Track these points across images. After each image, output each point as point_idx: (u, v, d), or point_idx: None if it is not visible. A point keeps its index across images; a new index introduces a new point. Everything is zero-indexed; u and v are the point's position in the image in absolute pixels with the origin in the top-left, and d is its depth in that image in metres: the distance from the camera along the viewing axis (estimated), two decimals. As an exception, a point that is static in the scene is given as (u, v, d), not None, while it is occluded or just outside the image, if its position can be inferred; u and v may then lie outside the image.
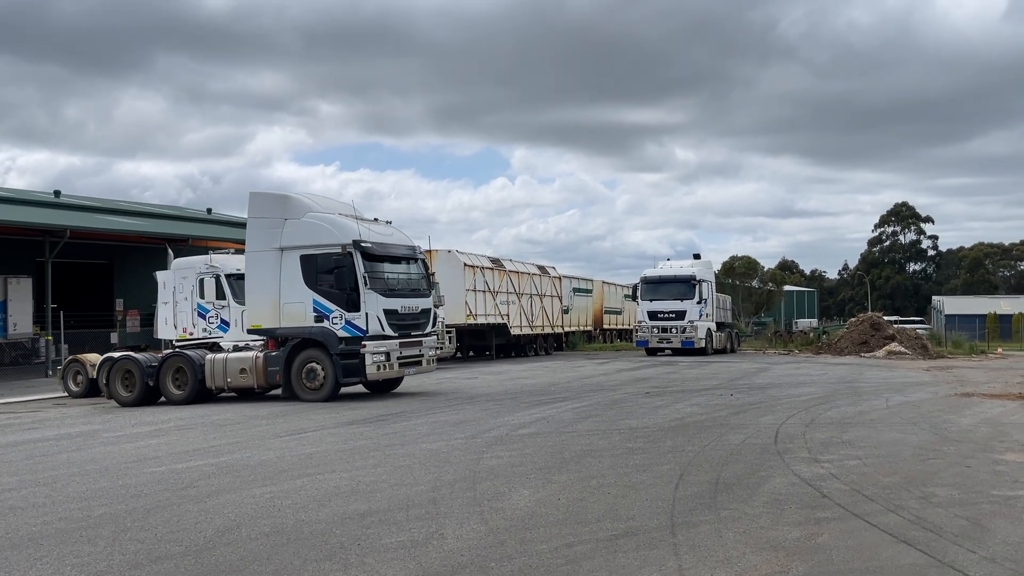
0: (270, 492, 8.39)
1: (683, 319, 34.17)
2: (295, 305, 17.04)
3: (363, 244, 16.88)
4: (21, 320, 29.04)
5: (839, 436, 11.38)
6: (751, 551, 6.16)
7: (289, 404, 16.83)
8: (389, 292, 17.27)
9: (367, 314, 16.72)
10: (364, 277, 16.72)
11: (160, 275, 22.21)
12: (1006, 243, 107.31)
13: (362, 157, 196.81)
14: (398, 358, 17.27)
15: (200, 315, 21.04)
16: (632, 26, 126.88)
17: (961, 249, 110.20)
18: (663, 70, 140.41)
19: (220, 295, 20.82)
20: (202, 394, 17.90)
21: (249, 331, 18.23)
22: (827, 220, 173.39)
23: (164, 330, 21.91)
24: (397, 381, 18.65)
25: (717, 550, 6.19)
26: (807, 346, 38.38)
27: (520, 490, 8.24)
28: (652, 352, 35.11)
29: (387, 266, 17.66)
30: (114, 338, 31.96)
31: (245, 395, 18.40)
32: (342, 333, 16.75)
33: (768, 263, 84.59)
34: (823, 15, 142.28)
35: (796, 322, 72.79)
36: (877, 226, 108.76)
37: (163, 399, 18.21)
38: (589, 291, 47.22)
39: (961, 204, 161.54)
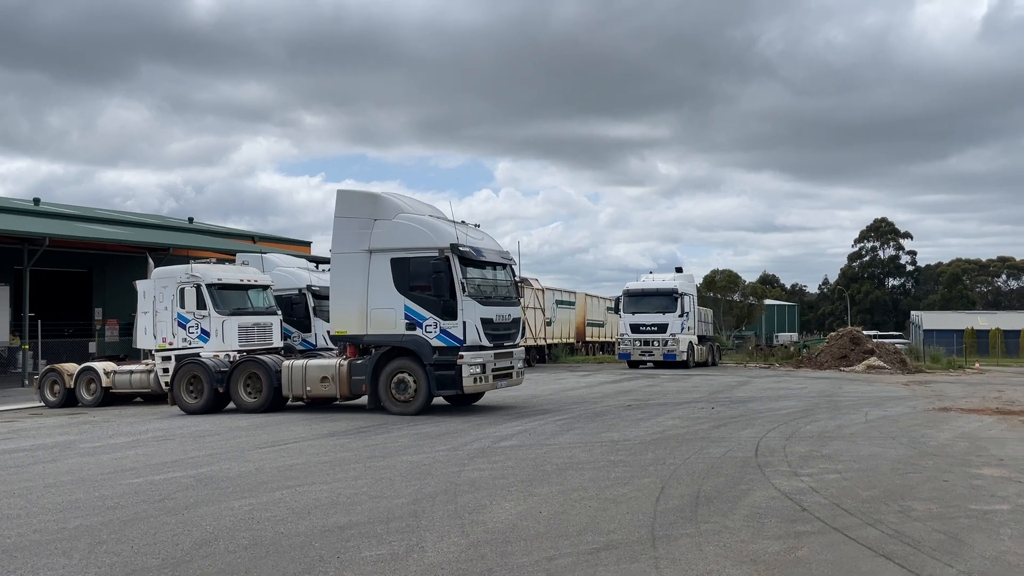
0: (249, 504, 8.32)
1: (665, 332, 34.27)
2: (384, 311, 16.16)
3: (461, 248, 16.00)
4: (-2, 329, 28.73)
5: (819, 450, 11.44)
6: (731, 564, 6.17)
7: (270, 415, 16.72)
8: (485, 300, 16.38)
9: (465, 323, 15.75)
10: (462, 283, 15.78)
11: (140, 284, 21.99)
12: (983, 259, 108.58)
13: (347, 168, 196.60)
14: (493, 370, 16.27)
15: (180, 325, 20.84)
16: (615, 41, 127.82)
17: (939, 265, 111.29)
18: (645, 85, 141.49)
19: (201, 305, 20.64)
20: (277, 402, 17.25)
21: (333, 337, 17.55)
22: (807, 235, 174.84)
23: (143, 340, 21.68)
24: (479, 394, 17.58)
25: (697, 563, 6.20)
26: (787, 360, 38.58)
27: (501, 503, 8.22)
28: (634, 365, 35.17)
29: (481, 272, 16.76)
30: (92, 348, 31.63)
31: (315, 405, 17.68)
32: (436, 342, 15.82)
33: (749, 277, 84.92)
34: (801, 33, 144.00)
35: (777, 336, 73.27)
36: (857, 241, 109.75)
37: (232, 407, 17.71)
38: (572, 304, 47.30)
39: (939, 220, 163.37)
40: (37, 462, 11.53)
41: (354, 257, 16.48)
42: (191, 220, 50.22)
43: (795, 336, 74.94)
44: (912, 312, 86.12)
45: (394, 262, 16.16)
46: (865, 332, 39.59)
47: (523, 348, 18.57)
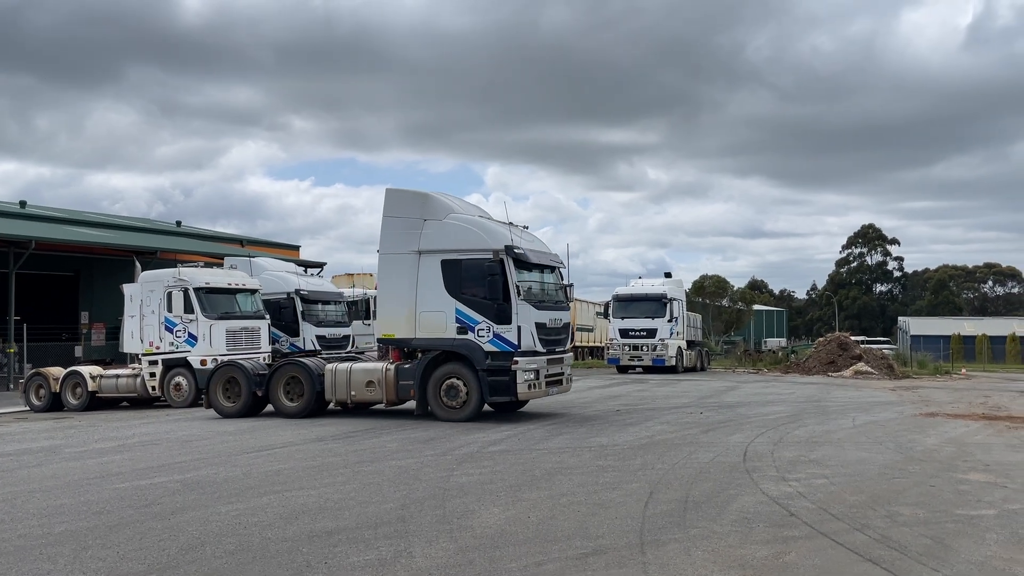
0: (236, 509, 8.27)
1: (654, 337, 34.31)
2: (434, 314, 15.63)
3: (516, 250, 15.44)
4: (-17, 332, 28.47)
5: (807, 455, 11.48)
6: (719, 570, 6.18)
7: (258, 420, 16.64)
8: (538, 304, 15.87)
9: (520, 327, 15.20)
10: (517, 287, 15.27)
11: (127, 288, 21.90)
12: (970, 265, 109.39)
13: (336, 172, 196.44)
14: (545, 376, 15.80)
15: (167, 329, 20.77)
16: (604, 48, 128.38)
17: (926, 271, 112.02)
18: (634, 92, 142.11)
19: (188, 309, 20.58)
20: (319, 406, 16.90)
21: (380, 340, 17.04)
22: (795, 241, 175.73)
23: (130, 344, 21.59)
24: (525, 401, 16.72)
25: (686, 568, 6.20)
26: (776, 365, 38.70)
27: (490, 508, 8.20)
28: (623, 370, 35.19)
29: (534, 275, 16.21)
30: (78, 351, 31.42)
31: (354, 409, 17.32)
32: (489, 347, 15.27)
33: (738, 282, 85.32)
34: (788, 40, 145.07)
35: (765, 341, 73.51)
36: (844, 247, 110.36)
37: (270, 410, 17.38)
38: (561, 308, 47.25)
39: (926, 227, 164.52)
40: (22, 467, 11.43)
41: (402, 258, 15.98)
42: (179, 224, 50.00)
43: (783, 341, 75.24)
44: (899, 318, 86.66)
45: (445, 264, 15.66)
46: (853, 338, 39.70)
47: (572, 354, 18.05)
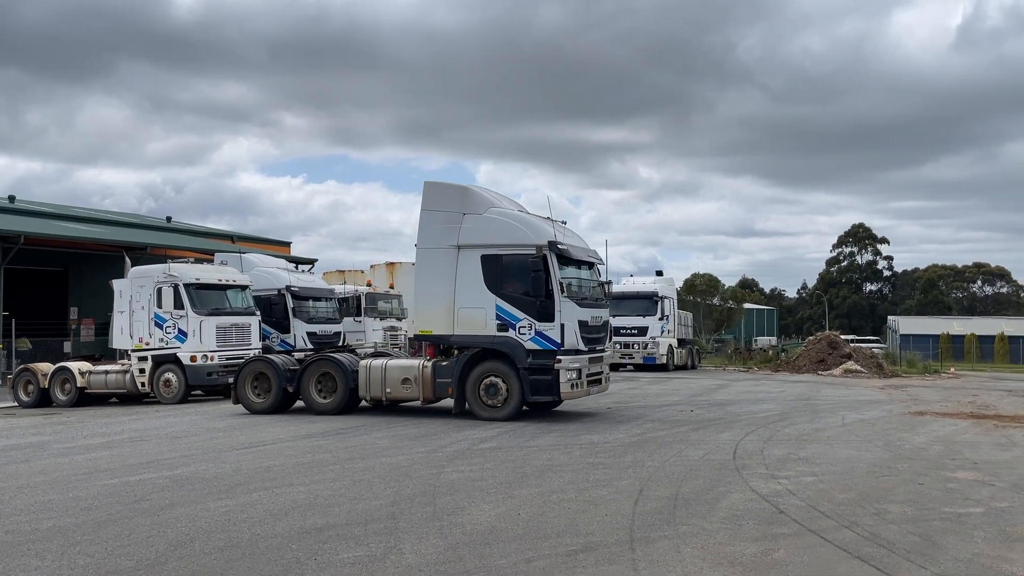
0: (225, 506, 8.25)
1: (645, 335, 34.35)
2: (473, 311, 15.26)
3: (560, 246, 15.07)
4: (-29, 328, 28.28)
5: (796, 453, 11.52)
6: (709, 566, 6.19)
7: (247, 416, 16.59)
8: (581, 301, 15.41)
9: (563, 325, 14.81)
10: (561, 283, 14.89)
11: (117, 283, 21.79)
12: (959, 265, 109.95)
13: (329, 169, 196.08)
14: (587, 375, 15.37)
15: (157, 325, 20.68)
16: (597, 47, 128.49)
17: (916, 270, 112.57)
18: (626, 91, 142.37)
19: (178, 305, 20.50)
20: (351, 403, 16.51)
21: (417, 337, 16.72)
22: (786, 240, 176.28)
23: (119, 339, 21.49)
24: (560, 400, 16.20)
25: (675, 565, 6.21)
26: (766, 363, 38.85)
27: (480, 505, 8.20)
28: (614, 367, 34.95)
29: (575, 271, 15.79)
30: (67, 347, 31.26)
31: (385, 408, 16.89)
32: (531, 345, 14.90)
33: (729, 281, 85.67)
34: (779, 40, 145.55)
35: (756, 340, 73.68)
36: (835, 246, 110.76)
37: (300, 406, 17.05)
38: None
39: (915, 227, 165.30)
40: (10, 463, 11.37)
41: (441, 253, 15.56)
42: (169, 219, 49.79)
43: (774, 340, 75.40)
44: (889, 317, 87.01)
45: (485, 259, 15.28)
46: (843, 336, 39.97)
47: (610, 352, 17.54)
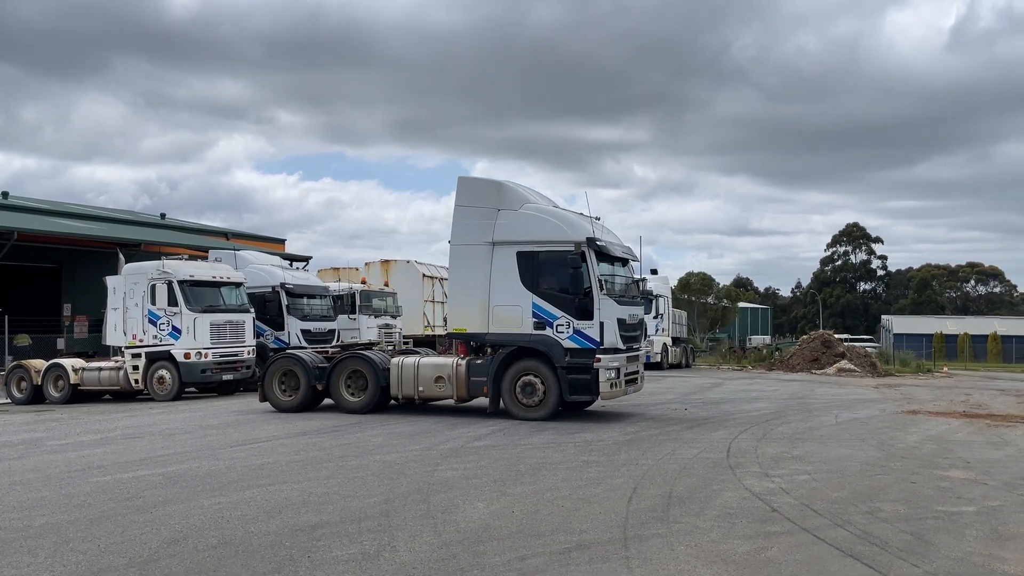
0: (219, 503, 8.24)
1: (639, 333, 34.37)
2: (509, 308, 14.98)
3: (599, 243, 14.75)
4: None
5: (789, 451, 11.54)
6: (702, 564, 6.21)
7: (242, 413, 16.56)
8: (619, 299, 15.10)
9: (602, 323, 14.51)
10: (600, 280, 14.56)
11: (110, 280, 21.74)
12: (952, 265, 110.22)
13: (325, 166, 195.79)
14: (625, 374, 15.04)
15: (151, 322, 20.63)
16: (592, 45, 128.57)
17: (910, 270, 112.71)
18: (621, 89, 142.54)
19: (172, 302, 20.45)
20: (382, 402, 16.24)
21: (450, 335, 16.48)
22: (780, 239, 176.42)
23: (113, 336, 21.45)
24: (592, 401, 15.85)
25: (668, 563, 6.22)
26: (760, 362, 38.94)
27: (474, 502, 8.20)
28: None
29: (612, 268, 15.47)
30: (61, 344, 31.15)
31: (416, 406, 16.65)
32: (569, 344, 14.61)
33: (723, 280, 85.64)
34: (773, 40, 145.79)
35: (750, 338, 73.76)
36: (829, 246, 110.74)
37: (327, 404, 16.79)
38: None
39: (909, 226, 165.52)
40: (2, 459, 11.33)
41: (475, 249, 15.27)
42: (163, 216, 49.67)
43: (768, 339, 75.50)
44: (883, 316, 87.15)
45: (521, 256, 14.99)
46: (836, 336, 40.03)
47: (645, 351, 17.37)
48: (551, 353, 14.72)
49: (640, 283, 16.99)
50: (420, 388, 15.76)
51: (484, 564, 6.19)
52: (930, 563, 6.28)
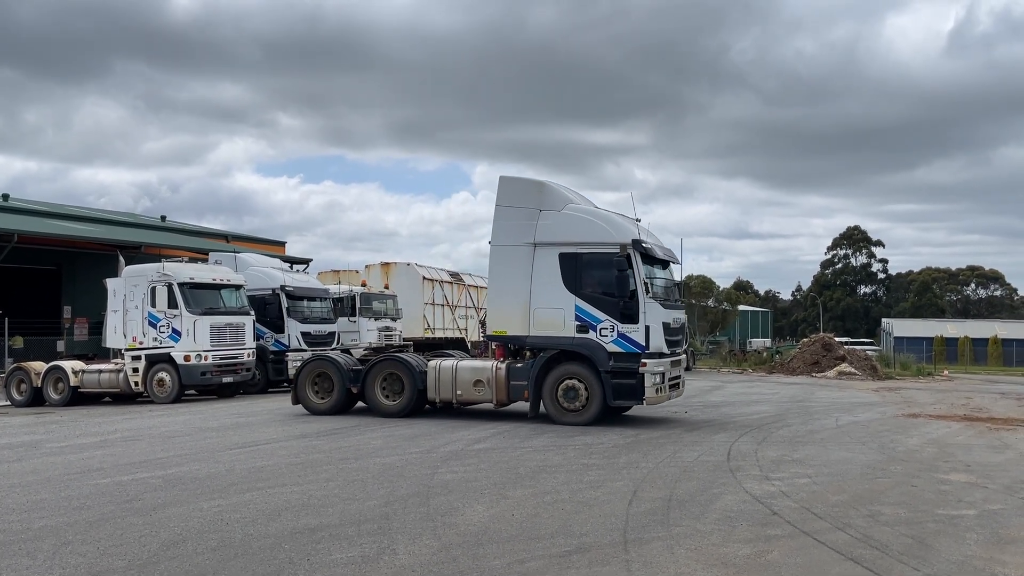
0: (218, 506, 8.22)
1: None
2: (550, 311, 14.63)
3: (644, 244, 14.49)
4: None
5: (790, 454, 11.53)
6: (702, 568, 6.19)
7: (242, 416, 16.55)
8: (663, 302, 14.81)
9: (648, 327, 14.17)
10: (646, 283, 14.26)
11: (110, 282, 21.74)
12: (953, 268, 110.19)
13: (325, 169, 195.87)
14: (668, 379, 14.79)
15: (151, 324, 20.63)
16: (590, 49, 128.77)
17: (910, 273, 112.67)
18: (620, 93, 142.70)
19: (172, 304, 20.45)
20: (419, 405, 15.85)
21: (489, 337, 16.02)
22: (780, 242, 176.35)
23: (113, 339, 21.44)
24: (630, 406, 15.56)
25: (669, 566, 6.21)
26: (760, 365, 38.90)
27: (474, 505, 8.19)
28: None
29: (655, 271, 15.16)
30: (61, 346, 31.15)
31: (451, 410, 16.38)
32: (613, 347, 14.28)
33: (723, 283, 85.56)
34: (772, 43, 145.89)
35: (750, 341, 73.75)
36: (829, 249, 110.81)
37: (362, 407, 16.53)
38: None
39: (909, 230, 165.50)
40: (2, 461, 11.32)
41: (516, 250, 14.92)
42: (163, 218, 49.69)
43: (768, 342, 75.50)
44: (883, 319, 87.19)
45: (563, 257, 14.64)
46: (837, 339, 40.00)
47: (686, 356, 16.91)
48: (594, 357, 14.40)
49: (681, 287, 16.58)
50: (459, 392, 15.44)
51: (484, 567, 6.18)
52: (930, 567, 6.27)
